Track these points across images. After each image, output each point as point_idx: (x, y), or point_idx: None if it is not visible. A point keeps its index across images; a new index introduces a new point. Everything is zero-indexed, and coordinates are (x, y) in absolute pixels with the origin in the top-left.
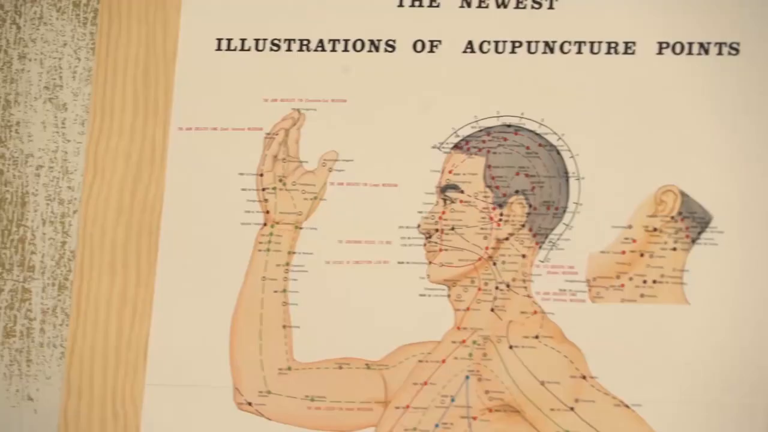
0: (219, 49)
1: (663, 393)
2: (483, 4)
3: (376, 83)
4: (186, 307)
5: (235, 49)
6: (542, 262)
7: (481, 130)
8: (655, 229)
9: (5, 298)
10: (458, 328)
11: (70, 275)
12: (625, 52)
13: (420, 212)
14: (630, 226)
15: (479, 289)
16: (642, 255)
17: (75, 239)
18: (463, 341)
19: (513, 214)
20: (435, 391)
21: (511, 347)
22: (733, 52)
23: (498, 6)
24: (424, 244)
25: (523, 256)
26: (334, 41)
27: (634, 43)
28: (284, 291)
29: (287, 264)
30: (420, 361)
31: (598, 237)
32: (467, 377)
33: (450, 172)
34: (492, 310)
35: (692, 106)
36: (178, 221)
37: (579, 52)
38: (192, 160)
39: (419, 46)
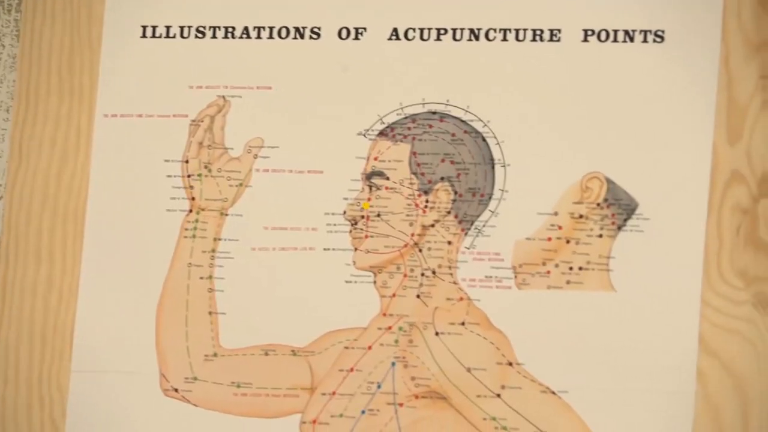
0: (144, 36)
1: (589, 380)
2: None
3: (301, 71)
4: (112, 294)
5: (160, 36)
6: (468, 248)
7: (406, 117)
8: (581, 216)
9: None
10: (384, 314)
11: None
12: (551, 40)
13: (345, 199)
14: (556, 213)
15: (405, 276)
16: (568, 242)
17: (0, 226)
18: (389, 328)
19: (438, 201)
20: (361, 377)
21: (437, 334)
22: (658, 39)
23: None
24: (350, 231)
25: (449, 242)
26: (259, 28)
27: (559, 30)
28: (210, 277)
29: (213, 250)
30: (346, 347)
31: (523, 224)
32: (393, 364)
33: (375, 159)
34: (418, 296)
35: (618, 94)
36: (103, 208)
37: (504, 39)
38: (117, 147)
39: (344, 34)
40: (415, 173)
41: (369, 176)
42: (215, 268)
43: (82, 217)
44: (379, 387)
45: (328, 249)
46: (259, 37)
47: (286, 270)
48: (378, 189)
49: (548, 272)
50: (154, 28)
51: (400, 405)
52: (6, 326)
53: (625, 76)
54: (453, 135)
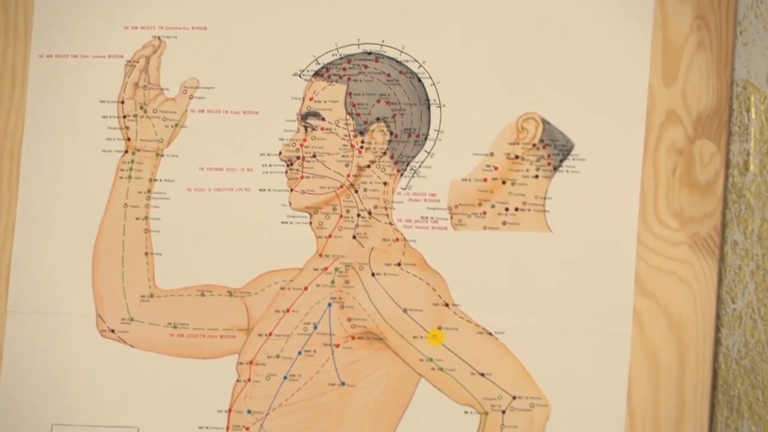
0: None
1: (526, 320)
2: None
3: (236, 11)
4: (48, 235)
5: None
6: (404, 189)
7: (341, 58)
8: (516, 157)
9: None
10: (320, 255)
11: None
12: None
13: (281, 139)
14: (492, 154)
15: (341, 217)
16: (504, 182)
17: None
18: (326, 268)
19: (374, 142)
20: (297, 318)
21: (373, 274)
22: None
23: None
24: (286, 172)
25: (385, 183)
26: None
27: None
28: (146, 218)
29: (149, 191)
30: (282, 288)
31: (459, 164)
32: (330, 305)
33: (311, 99)
34: (354, 237)
35: (553, 34)
36: (39, 149)
37: None
38: (53, 88)
39: None
40: (350, 114)
41: (304, 117)
42: (151, 209)
43: (17, 158)
44: (315, 328)
45: (264, 190)
46: None
47: (221, 211)
48: (313, 129)
49: (484, 213)
50: None
51: (337, 346)
52: None
53: (561, 17)
54: (388, 75)
